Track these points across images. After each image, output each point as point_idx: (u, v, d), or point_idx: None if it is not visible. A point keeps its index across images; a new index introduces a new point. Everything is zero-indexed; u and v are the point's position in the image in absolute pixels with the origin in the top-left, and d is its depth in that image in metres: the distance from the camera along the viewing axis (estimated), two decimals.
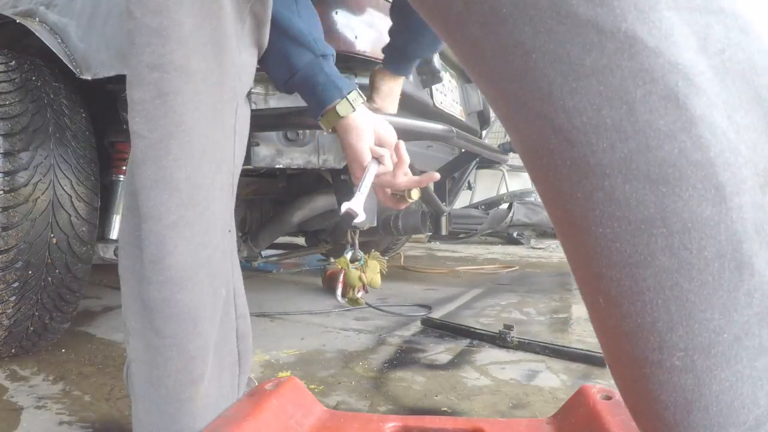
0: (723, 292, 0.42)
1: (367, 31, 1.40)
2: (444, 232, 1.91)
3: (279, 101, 1.36)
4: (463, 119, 2.02)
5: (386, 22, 1.45)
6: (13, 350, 1.31)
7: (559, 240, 0.50)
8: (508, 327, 1.51)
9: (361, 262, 1.99)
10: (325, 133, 1.40)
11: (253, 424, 0.75)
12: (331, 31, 1.33)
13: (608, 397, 0.84)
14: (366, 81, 1.50)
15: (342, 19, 1.35)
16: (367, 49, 1.42)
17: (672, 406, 0.44)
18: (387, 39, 1.35)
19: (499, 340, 1.50)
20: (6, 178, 1.16)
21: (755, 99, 0.43)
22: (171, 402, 0.69)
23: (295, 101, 1.38)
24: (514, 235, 4.81)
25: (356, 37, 1.37)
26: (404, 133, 1.46)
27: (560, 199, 0.46)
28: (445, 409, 1.08)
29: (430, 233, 2.17)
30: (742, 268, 0.42)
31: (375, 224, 1.63)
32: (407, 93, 1.63)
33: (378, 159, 1.00)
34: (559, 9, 0.41)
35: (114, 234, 1.56)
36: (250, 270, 2.92)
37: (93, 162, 1.33)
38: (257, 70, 1.28)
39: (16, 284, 1.20)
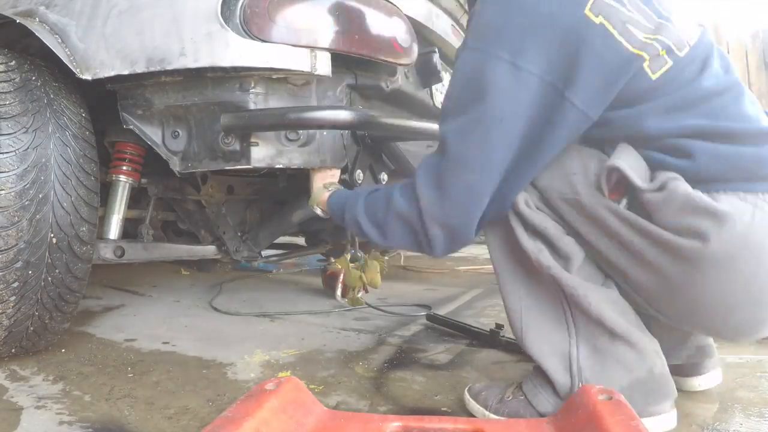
0: None
1: (367, 32, 1.40)
2: None
3: (279, 101, 1.36)
4: None
5: (386, 23, 1.45)
6: (13, 350, 1.31)
7: None
8: (499, 326, 1.51)
9: (361, 262, 1.99)
10: (324, 133, 1.41)
11: (253, 424, 0.75)
12: (331, 32, 1.33)
13: (608, 397, 0.84)
14: (366, 81, 1.50)
15: (342, 19, 1.35)
16: (368, 49, 1.41)
17: None
18: (386, 39, 1.35)
19: (489, 339, 1.50)
20: (6, 177, 1.16)
21: None
22: None
23: (294, 101, 1.38)
24: None
25: (356, 38, 1.37)
26: (404, 133, 1.47)
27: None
28: (445, 409, 1.08)
29: None
30: None
31: None
32: (407, 93, 1.63)
33: None
34: None
35: (114, 234, 1.56)
36: (250, 270, 2.92)
37: (93, 162, 1.33)
38: (255, 70, 1.28)
39: (15, 284, 1.20)
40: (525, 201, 0.95)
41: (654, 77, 0.86)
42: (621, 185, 0.86)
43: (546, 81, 0.85)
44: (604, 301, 0.92)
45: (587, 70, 0.84)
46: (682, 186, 0.81)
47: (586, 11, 0.85)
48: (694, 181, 0.83)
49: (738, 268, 0.82)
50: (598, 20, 0.85)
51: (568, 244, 0.93)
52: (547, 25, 0.85)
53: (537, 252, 0.94)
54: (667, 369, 0.94)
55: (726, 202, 0.82)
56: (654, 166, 0.87)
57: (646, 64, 0.85)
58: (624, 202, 0.87)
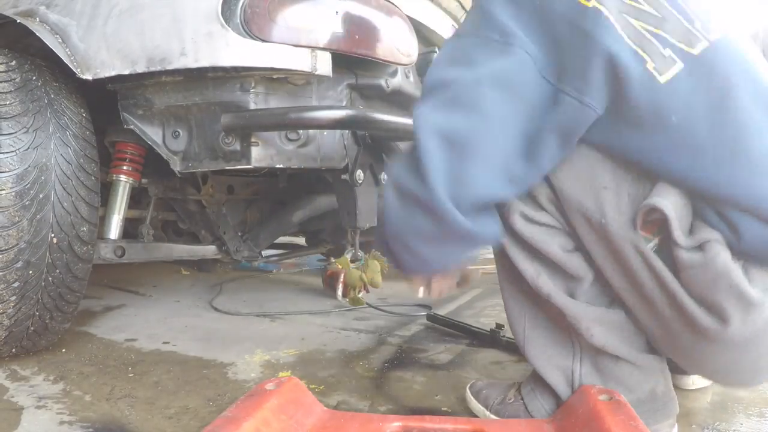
0: None
1: (368, 32, 1.40)
2: None
3: (279, 101, 1.36)
4: None
5: (386, 23, 1.45)
6: (13, 350, 1.31)
7: None
8: (499, 326, 1.51)
9: (362, 262, 1.99)
10: (324, 133, 1.41)
11: (253, 424, 0.75)
12: (332, 32, 1.33)
13: (609, 397, 0.84)
14: (366, 81, 1.50)
15: (343, 19, 1.35)
16: (368, 49, 1.41)
17: None
18: (386, 39, 1.34)
19: (489, 338, 1.50)
20: (7, 177, 1.16)
21: None
22: None
23: (295, 101, 1.39)
24: None
25: (357, 38, 1.37)
26: (405, 133, 1.47)
27: None
28: (446, 408, 1.08)
29: None
30: None
31: (375, 224, 1.63)
32: (407, 93, 1.63)
33: None
34: None
35: (114, 234, 1.56)
36: (251, 270, 2.92)
37: (93, 162, 1.33)
38: (255, 70, 1.29)
39: (16, 284, 1.20)
40: (521, 213, 0.86)
41: (663, 80, 0.74)
42: (656, 223, 0.76)
43: (538, 66, 0.77)
44: (608, 330, 0.87)
45: (579, 54, 0.76)
46: (722, 255, 0.73)
47: None
48: (735, 250, 0.75)
49: (752, 347, 0.78)
50: (590, 4, 0.76)
51: (575, 266, 0.87)
52: (537, 10, 0.79)
53: (535, 276, 0.88)
54: (671, 386, 0.92)
55: (762, 283, 0.74)
56: (696, 214, 0.77)
57: (650, 66, 0.74)
58: (654, 242, 0.78)
